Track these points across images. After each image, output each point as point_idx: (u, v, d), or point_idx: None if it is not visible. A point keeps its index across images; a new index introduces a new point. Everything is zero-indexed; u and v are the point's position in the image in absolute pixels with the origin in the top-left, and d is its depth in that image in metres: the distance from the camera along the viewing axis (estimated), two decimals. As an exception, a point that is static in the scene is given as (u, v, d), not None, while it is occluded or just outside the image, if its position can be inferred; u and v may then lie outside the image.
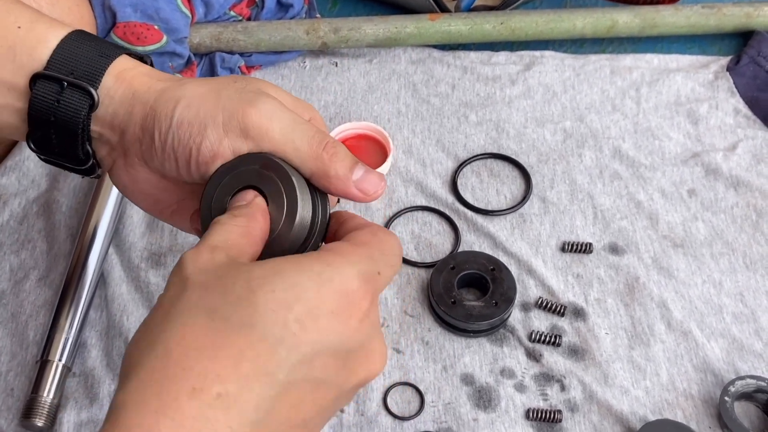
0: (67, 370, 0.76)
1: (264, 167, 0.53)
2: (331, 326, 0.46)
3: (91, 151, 0.58)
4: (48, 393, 0.73)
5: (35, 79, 0.55)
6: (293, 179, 0.52)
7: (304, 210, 0.53)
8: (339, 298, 0.47)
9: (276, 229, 0.52)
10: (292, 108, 0.56)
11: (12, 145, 0.93)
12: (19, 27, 0.56)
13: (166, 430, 0.41)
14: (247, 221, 0.51)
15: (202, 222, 0.54)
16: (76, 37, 0.57)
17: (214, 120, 0.53)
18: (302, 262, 0.48)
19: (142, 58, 0.60)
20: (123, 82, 0.56)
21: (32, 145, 0.58)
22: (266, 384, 0.44)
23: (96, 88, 0.56)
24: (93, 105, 0.56)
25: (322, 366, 0.46)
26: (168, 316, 0.45)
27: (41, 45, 0.56)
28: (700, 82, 0.98)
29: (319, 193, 0.54)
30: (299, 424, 0.46)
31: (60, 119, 0.56)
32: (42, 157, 0.59)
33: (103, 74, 0.56)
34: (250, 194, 0.53)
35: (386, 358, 0.50)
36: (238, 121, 0.53)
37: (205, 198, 0.54)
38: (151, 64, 0.60)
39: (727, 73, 0.98)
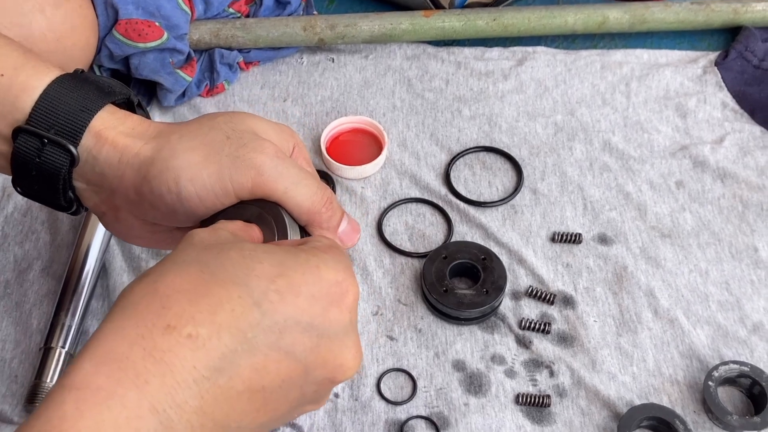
0: (69, 356, 0.78)
1: (265, 210, 0.58)
2: (309, 306, 0.49)
3: (73, 198, 0.60)
4: (51, 378, 0.75)
5: (17, 132, 0.57)
6: (288, 227, 0.57)
7: None
8: (322, 284, 0.50)
9: None
10: (277, 141, 0.59)
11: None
12: (2, 74, 0.57)
13: (136, 358, 0.44)
14: (246, 226, 0.56)
15: None
16: (59, 85, 0.57)
17: (226, 193, 0.56)
18: (292, 250, 0.52)
19: (128, 99, 0.62)
20: (105, 143, 0.57)
21: (17, 189, 0.60)
22: (235, 337, 0.46)
23: (76, 146, 0.57)
24: (73, 161, 0.57)
25: (292, 340, 0.48)
26: (164, 266, 0.49)
27: (24, 94, 0.57)
28: (689, 77, 1.00)
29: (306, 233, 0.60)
30: (258, 389, 0.48)
31: (41, 173, 0.58)
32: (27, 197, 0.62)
33: (83, 131, 0.57)
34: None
35: (360, 359, 0.52)
36: (248, 190, 0.56)
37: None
38: (139, 104, 0.62)
39: (715, 68, 1.00)
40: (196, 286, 0.47)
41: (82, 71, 0.60)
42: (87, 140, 0.57)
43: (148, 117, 0.62)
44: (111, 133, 0.58)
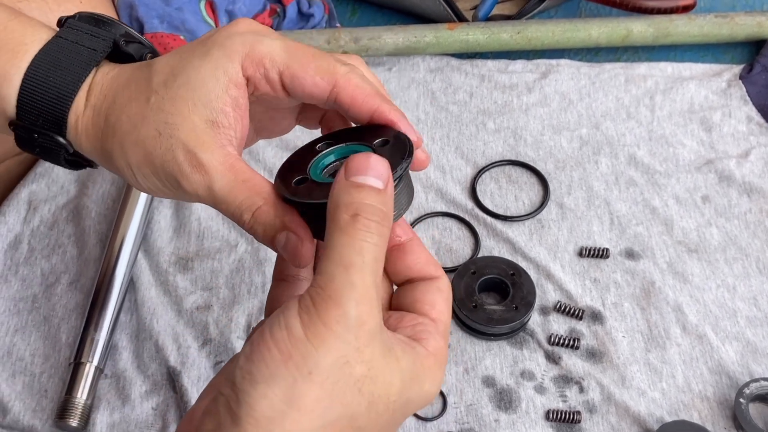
0: (99, 371, 0.78)
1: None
2: (398, 421, 0.50)
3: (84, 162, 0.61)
4: (81, 394, 0.76)
5: (12, 123, 0.58)
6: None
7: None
8: (423, 403, 0.50)
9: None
10: (214, 89, 0.54)
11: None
12: None
13: None
14: (385, 241, 0.48)
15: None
16: (36, 71, 0.56)
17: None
18: (422, 381, 0.49)
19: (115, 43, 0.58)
20: (84, 129, 0.57)
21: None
22: None
23: (65, 135, 0.57)
24: (67, 146, 0.58)
25: None
26: (322, 408, 0.45)
27: (6, 83, 0.56)
28: (713, 90, 1.00)
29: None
30: None
31: (44, 152, 0.59)
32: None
33: (66, 122, 0.57)
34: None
35: None
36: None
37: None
38: (127, 40, 0.59)
39: (740, 82, 1.00)
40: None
41: (66, 21, 0.58)
42: (71, 131, 0.57)
43: (141, 49, 0.59)
44: (83, 122, 0.57)
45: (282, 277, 0.57)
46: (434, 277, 0.54)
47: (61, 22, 0.58)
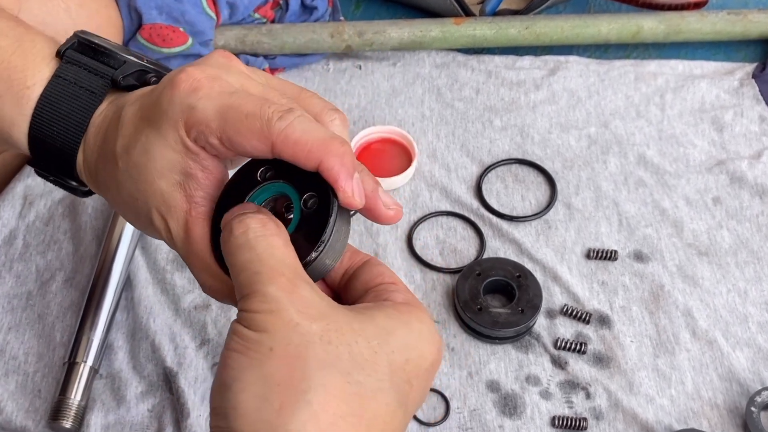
0: (94, 372, 0.76)
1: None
2: (425, 382, 0.50)
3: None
4: (75, 395, 0.74)
5: (29, 163, 0.60)
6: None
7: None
8: (435, 353, 0.50)
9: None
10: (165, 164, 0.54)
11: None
12: None
13: None
14: (280, 229, 0.50)
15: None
16: (39, 121, 0.57)
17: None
18: (404, 321, 0.49)
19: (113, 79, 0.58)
20: (82, 173, 0.58)
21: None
22: None
23: (74, 175, 0.58)
24: (79, 187, 0.60)
25: (412, 413, 0.50)
26: (301, 373, 0.44)
27: (15, 128, 0.57)
28: (725, 89, 0.97)
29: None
30: None
31: (62, 188, 0.61)
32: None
33: (74, 167, 0.58)
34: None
35: None
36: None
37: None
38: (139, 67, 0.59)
39: (753, 80, 0.98)
40: (353, 407, 0.45)
41: (65, 53, 0.58)
42: (79, 171, 0.59)
43: (143, 75, 0.59)
44: (89, 165, 0.58)
45: None
46: (366, 259, 0.55)
47: (60, 53, 0.58)
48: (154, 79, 0.58)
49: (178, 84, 0.51)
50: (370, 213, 0.53)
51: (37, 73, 0.57)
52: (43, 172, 0.60)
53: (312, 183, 0.50)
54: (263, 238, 0.49)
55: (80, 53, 0.58)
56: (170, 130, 0.51)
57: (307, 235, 0.50)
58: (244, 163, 0.54)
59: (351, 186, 0.49)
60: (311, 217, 0.50)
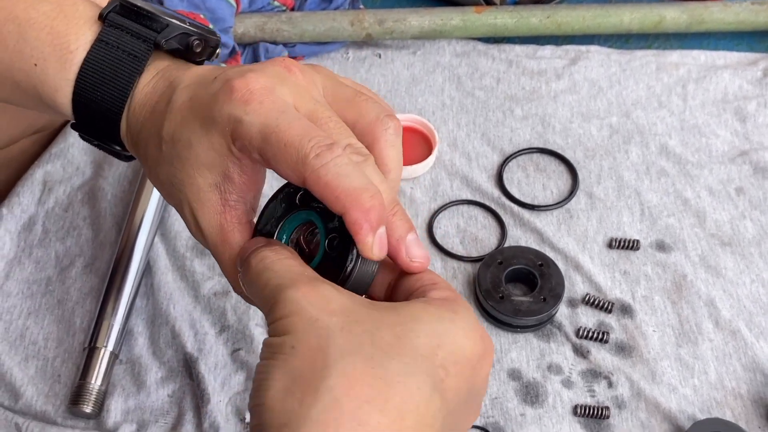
0: (114, 357, 0.76)
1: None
2: (470, 371, 0.48)
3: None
4: (96, 379, 0.74)
5: (73, 126, 0.60)
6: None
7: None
8: (473, 345, 0.48)
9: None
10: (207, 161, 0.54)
11: (56, 133, 0.93)
12: (35, 64, 0.57)
13: None
14: (294, 255, 0.52)
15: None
16: (83, 90, 0.57)
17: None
18: (433, 311, 0.48)
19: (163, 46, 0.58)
20: (125, 139, 0.59)
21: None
22: None
23: (118, 142, 0.59)
24: (122, 152, 0.60)
25: (459, 411, 0.48)
26: (322, 362, 0.44)
27: (59, 94, 0.57)
28: (748, 80, 0.97)
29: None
30: None
31: (104, 151, 0.62)
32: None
33: (118, 132, 0.58)
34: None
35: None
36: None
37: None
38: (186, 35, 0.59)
39: (776, 71, 0.97)
40: (378, 390, 0.44)
41: (106, 16, 0.57)
42: (124, 137, 0.59)
43: (186, 38, 0.58)
44: (135, 131, 0.58)
45: None
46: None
47: (103, 16, 0.58)
48: (196, 42, 0.58)
49: (232, 91, 0.51)
50: (393, 261, 0.53)
51: (81, 37, 0.57)
52: (87, 137, 0.60)
53: (340, 223, 0.51)
54: (279, 261, 0.50)
55: (122, 16, 0.57)
56: (216, 134, 0.52)
57: (330, 273, 0.51)
58: (283, 185, 0.55)
59: (371, 241, 0.49)
60: (335, 256, 0.51)
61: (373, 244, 0.49)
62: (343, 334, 0.45)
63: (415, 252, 0.52)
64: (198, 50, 0.59)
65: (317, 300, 0.47)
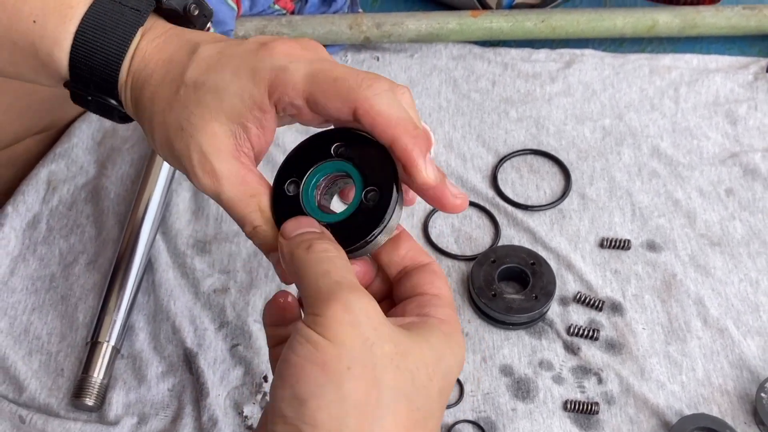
0: (116, 351, 0.78)
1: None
2: (450, 390, 0.52)
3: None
4: (98, 373, 0.75)
5: (66, 84, 0.60)
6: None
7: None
8: (458, 362, 0.52)
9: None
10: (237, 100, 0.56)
11: (61, 132, 0.95)
12: (34, 21, 0.58)
13: None
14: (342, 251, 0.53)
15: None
16: (84, 35, 0.57)
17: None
18: (451, 345, 0.52)
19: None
20: (124, 93, 0.59)
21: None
22: None
23: (117, 97, 0.59)
24: (119, 107, 0.60)
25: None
26: (376, 400, 0.46)
27: (57, 48, 0.58)
28: (740, 83, 0.98)
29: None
30: None
31: (98, 109, 0.61)
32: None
33: (117, 83, 0.58)
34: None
35: None
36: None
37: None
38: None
39: (767, 74, 0.99)
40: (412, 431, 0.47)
41: None
42: (123, 91, 0.59)
43: (184, 1, 0.60)
44: (124, 85, 0.59)
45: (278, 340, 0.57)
46: (426, 263, 0.57)
47: None
48: (193, 5, 0.60)
49: (273, 49, 0.54)
50: (437, 200, 0.54)
51: (75, 7, 0.58)
52: (82, 93, 0.60)
53: (378, 172, 0.54)
54: (339, 258, 0.51)
55: None
56: (250, 83, 0.53)
57: (355, 229, 0.54)
58: (317, 133, 0.57)
59: (425, 164, 0.52)
60: (371, 207, 0.54)
61: (426, 167, 0.52)
62: (393, 369, 0.47)
63: (456, 190, 0.54)
64: (195, 13, 0.60)
65: (374, 318, 0.48)
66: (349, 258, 0.53)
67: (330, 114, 0.53)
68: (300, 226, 0.53)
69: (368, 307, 0.48)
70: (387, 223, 0.54)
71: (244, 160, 0.55)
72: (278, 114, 0.55)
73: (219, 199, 0.55)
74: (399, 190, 0.54)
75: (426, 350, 0.49)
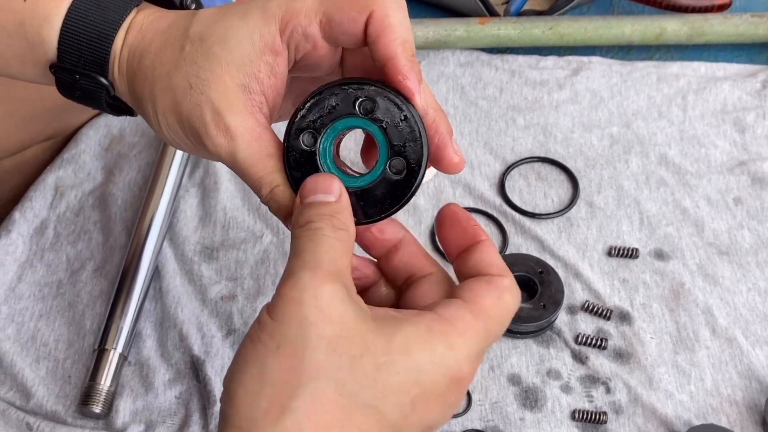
0: (123, 358, 0.78)
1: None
2: (436, 407, 0.48)
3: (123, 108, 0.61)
4: (105, 380, 0.75)
5: (53, 67, 0.57)
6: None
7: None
8: (450, 382, 0.48)
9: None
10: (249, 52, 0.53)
11: (68, 139, 0.95)
12: (24, 0, 0.56)
13: None
14: (349, 236, 0.50)
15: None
16: (77, 11, 0.56)
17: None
18: (429, 341, 0.47)
19: None
20: (119, 69, 0.57)
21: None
22: None
23: (107, 76, 0.57)
24: (109, 87, 0.57)
25: None
26: (296, 379, 0.44)
27: (47, 24, 0.56)
28: (748, 91, 0.98)
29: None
30: None
31: (85, 95, 0.59)
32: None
33: (108, 62, 0.57)
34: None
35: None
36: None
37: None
38: None
39: (775, 83, 0.99)
40: (340, 418, 0.44)
41: None
42: (114, 70, 0.57)
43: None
44: (117, 60, 0.57)
45: None
46: (482, 241, 0.56)
47: None
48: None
49: None
50: (438, 150, 0.53)
51: None
52: (68, 79, 0.58)
53: (407, 143, 0.52)
54: (327, 238, 0.48)
55: None
56: (260, 22, 0.52)
57: (387, 194, 0.53)
58: (335, 80, 0.53)
59: (419, 89, 0.51)
60: (394, 182, 0.52)
61: (421, 94, 0.51)
62: (326, 352, 0.45)
63: (457, 147, 0.53)
64: (192, 7, 0.60)
65: (324, 298, 0.46)
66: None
67: (344, 29, 0.51)
68: (317, 189, 0.50)
69: (321, 288, 0.46)
70: (409, 200, 0.52)
71: (258, 116, 0.53)
72: (290, 56, 0.53)
73: (234, 160, 0.52)
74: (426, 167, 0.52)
75: (383, 341, 0.46)
